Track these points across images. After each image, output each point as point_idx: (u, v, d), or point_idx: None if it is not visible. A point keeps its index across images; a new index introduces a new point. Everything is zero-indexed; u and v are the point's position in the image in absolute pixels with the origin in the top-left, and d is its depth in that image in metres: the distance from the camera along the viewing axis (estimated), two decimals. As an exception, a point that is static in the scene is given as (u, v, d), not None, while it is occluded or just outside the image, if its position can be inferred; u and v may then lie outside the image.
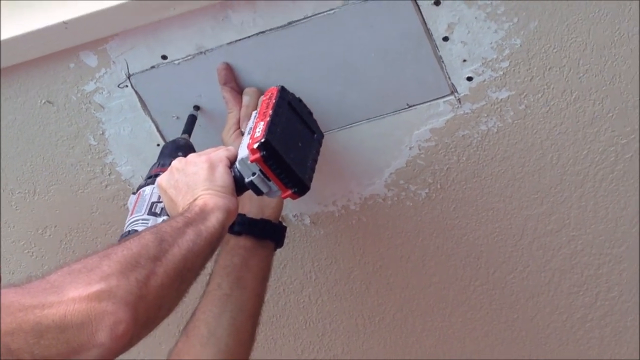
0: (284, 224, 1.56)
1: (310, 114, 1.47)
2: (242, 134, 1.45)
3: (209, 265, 1.34)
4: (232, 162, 1.34)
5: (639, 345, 1.82)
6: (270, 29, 1.46)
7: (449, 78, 1.49)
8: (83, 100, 1.56)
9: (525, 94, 1.50)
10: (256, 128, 1.33)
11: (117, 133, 1.60)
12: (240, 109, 1.49)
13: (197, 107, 1.55)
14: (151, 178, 1.41)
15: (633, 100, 1.50)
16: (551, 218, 1.66)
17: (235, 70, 1.50)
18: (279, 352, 1.88)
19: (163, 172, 1.37)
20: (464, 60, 1.47)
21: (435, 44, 1.45)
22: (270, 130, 1.32)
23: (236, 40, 1.48)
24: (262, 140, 1.30)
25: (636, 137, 1.54)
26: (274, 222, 1.52)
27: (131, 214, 1.38)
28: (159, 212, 1.36)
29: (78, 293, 1.03)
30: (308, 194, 1.36)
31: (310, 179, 1.38)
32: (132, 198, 1.40)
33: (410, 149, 1.58)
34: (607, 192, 1.61)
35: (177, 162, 1.35)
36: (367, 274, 1.76)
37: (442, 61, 1.47)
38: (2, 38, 1.45)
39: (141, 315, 1.06)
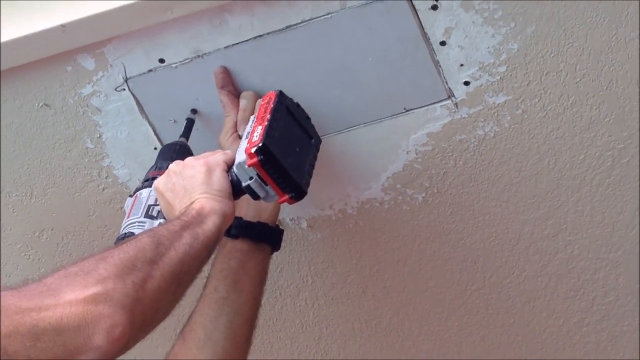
0: (281, 227, 1.56)
1: (308, 118, 1.47)
2: (240, 137, 1.45)
3: (206, 269, 1.34)
4: (229, 166, 1.34)
5: (637, 349, 1.82)
6: (268, 33, 1.46)
7: (446, 82, 1.49)
8: (80, 104, 1.56)
9: (522, 98, 1.50)
10: (254, 132, 1.33)
11: (114, 136, 1.60)
12: (237, 113, 1.49)
13: (194, 111, 1.55)
14: (148, 181, 1.41)
15: (630, 105, 1.50)
16: (548, 222, 1.66)
17: (232, 73, 1.50)
18: (275, 355, 1.88)
19: (160, 175, 1.37)
20: (461, 65, 1.47)
21: (433, 48, 1.46)
22: (268, 134, 1.32)
23: (234, 44, 1.48)
24: (260, 145, 1.30)
25: (633, 142, 1.54)
26: (271, 225, 1.52)
27: (128, 217, 1.38)
28: (155, 215, 1.36)
29: (75, 296, 1.03)
30: (305, 197, 1.36)
31: (308, 184, 1.38)
32: (129, 200, 1.40)
33: (407, 153, 1.58)
34: (604, 196, 1.61)
35: (175, 166, 1.35)
36: (363, 277, 1.76)
37: (440, 65, 1.47)
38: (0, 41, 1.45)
39: (138, 318, 1.06)
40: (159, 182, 1.35)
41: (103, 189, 1.66)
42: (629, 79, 1.47)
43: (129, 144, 1.60)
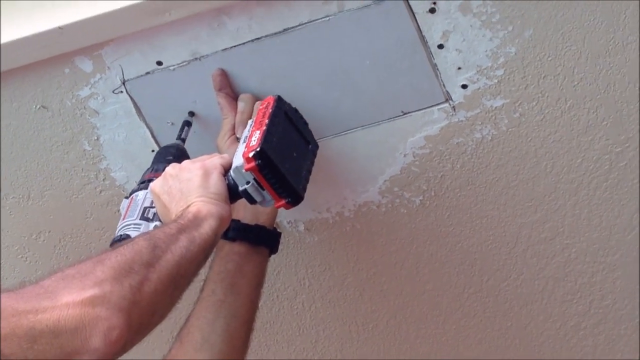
0: (278, 230, 1.56)
1: (306, 124, 1.47)
2: (237, 140, 1.45)
3: (203, 271, 1.34)
4: (226, 170, 1.34)
5: (634, 352, 1.83)
6: (266, 35, 1.46)
7: (444, 86, 1.49)
8: (78, 106, 1.56)
9: (519, 102, 1.50)
10: (252, 137, 1.33)
11: (111, 139, 1.60)
12: (235, 115, 1.49)
13: (192, 113, 1.54)
14: (144, 183, 1.41)
15: (627, 109, 1.50)
16: (545, 226, 1.66)
17: (230, 76, 1.50)
18: (273, 358, 1.88)
19: (156, 177, 1.37)
20: (459, 68, 1.47)
21: (430, 51, 1.46)
22: (266, 139, 1.32)
23: (231, 47, 1.48)
24: (258, 149, 1.30)
25: (630, 145, 1.54)
26: (268, 228, 1.52)
27: (123, 218, 1.37)
28: (151, 217, 1.36)
29: (72, 298, 1.03)
30: (302, 201, 1.36)
31: (304, 189, 1.38)
32: (125, 202, 1.40)
33: (404, 156, 1.58)
34: (601, 200, 1.61)
35: (171, 168, 1.35)
36: (361, 280, 1.76)
37: (437, 69, 1.47)
38: (-2, 43, 1.45)
39: (135, 321, 1.06)
40: (155, 184, 1.35)
41: (100, 192, 1.66)
42: (627, 82, 1.47)
43: (127, 147, 1.60)
